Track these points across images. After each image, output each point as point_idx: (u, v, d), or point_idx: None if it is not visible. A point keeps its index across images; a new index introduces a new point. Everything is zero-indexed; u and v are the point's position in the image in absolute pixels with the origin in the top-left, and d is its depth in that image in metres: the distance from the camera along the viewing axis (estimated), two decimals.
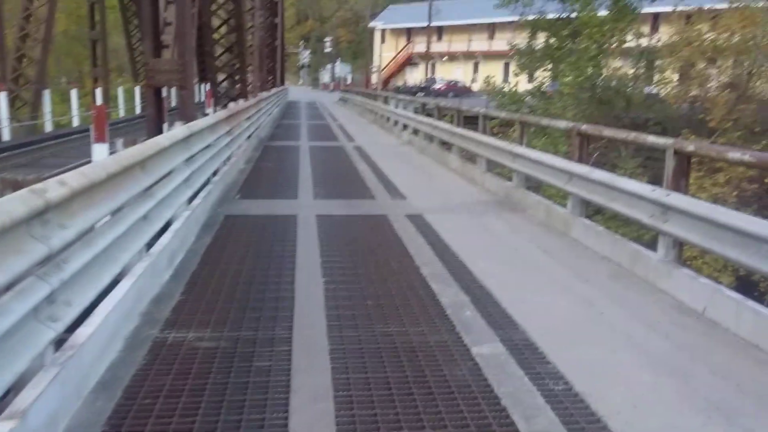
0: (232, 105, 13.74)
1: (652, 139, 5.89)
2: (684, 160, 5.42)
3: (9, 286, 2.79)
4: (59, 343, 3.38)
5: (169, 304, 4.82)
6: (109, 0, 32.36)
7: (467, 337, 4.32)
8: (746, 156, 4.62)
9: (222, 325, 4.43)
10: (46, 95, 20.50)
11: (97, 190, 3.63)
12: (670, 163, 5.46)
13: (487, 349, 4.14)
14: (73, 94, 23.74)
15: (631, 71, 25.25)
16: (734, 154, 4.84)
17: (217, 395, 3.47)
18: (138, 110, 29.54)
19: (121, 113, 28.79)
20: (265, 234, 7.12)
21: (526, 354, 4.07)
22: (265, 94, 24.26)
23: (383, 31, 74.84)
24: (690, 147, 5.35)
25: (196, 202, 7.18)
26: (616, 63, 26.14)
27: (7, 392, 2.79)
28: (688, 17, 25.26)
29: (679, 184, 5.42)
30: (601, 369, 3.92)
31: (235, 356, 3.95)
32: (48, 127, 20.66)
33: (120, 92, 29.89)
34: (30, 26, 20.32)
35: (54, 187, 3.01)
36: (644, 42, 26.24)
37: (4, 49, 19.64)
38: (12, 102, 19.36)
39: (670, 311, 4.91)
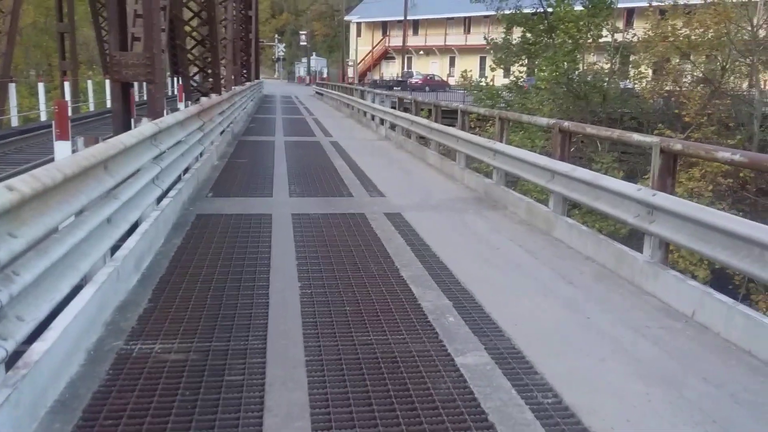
0: (204, 99, 13.38)
1: (637, 137, 5.75)
2: (670, 158, 5.29)
3: None
4: (13, 360, 3.11)
5: (136, 312, 4.55)
6: None
7: (451, 345, 4.12)
8: (737, 156, 4.49)
9: (191, 335, 4.18)
10: (12, 89, 19.85)
11: (52, 194, 3.35)
12: (656, 162, 5.31)
13: (471, 358, 3.94)
14: (41, 87, 23.07)
15: (607, 66, 25.33)
16: (724, 154, 4.70)
17: (185, 415, 3.22)
18: (109, 104, 28.85)
19: (91, 107, 28.11)
20: (238, 234, 6.85)
21: (513, 364, 3.89)
22: (239, 88, 23.83)
23: (359, 24, 74.44)
24: (677, 146, 5.21)
25: (165, 201, 6.88)
26: (592, 58, 26.21)
27: None
28: (663, 12, 25.37)
29: (665, 184, 5.29)
30: (590, 379, 3.75)
31: (205, 370, 3.70)
32: (14, 122, 20.04)
33: (90, 86, 29.17)
34: None
35: (0, 193, 2.73)
36: (619, 37, 26.34)
37: None
38: None
39: (658, 315, 4.77)
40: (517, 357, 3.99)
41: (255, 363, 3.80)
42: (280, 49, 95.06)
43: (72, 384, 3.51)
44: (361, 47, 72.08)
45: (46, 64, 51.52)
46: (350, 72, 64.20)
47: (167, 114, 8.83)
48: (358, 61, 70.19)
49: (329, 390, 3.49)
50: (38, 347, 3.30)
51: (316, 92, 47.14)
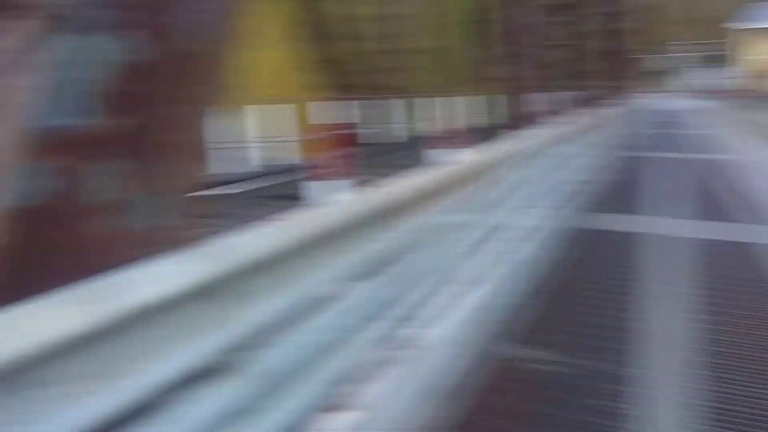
0: (583, 113, 13.32)
1: None
2: None
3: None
4: (404, 344, 3.47)
5: (520, 317, 4.73)
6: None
7: None
8: None
9: (567, 349, 4.19)
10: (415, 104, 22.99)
11: (442, 196, 3.67)
12: None
13: None
14: (429, 103, 26.13)
15: None
16: None
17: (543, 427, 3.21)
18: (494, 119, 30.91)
19: (482, 120, 30.33)
20: (618, 252, 6.70)
21: None
22: (615, 100, 23.10)
23: (757, 30, 65.30)
24: None
25: (547, 213, 7.01)
26: None
27: (349, 386, 2.86)
28: None
29: None
30: None
31: (574, 387, 3.65)
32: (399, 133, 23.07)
33: (474, 101, 31.56)
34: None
35: (400, 189, 3.07)
36: None
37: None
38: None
39: None
40: None
41: (624, 392, 3.59)
42: (659, 61, 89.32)
43: (456, 376, 3.74)
44: (759, 56, 63.18)
45: (442, 82, 57.46)
46: (747, 83, 56.78)
47: (544, 128, 9.01)
48: (756, 71, 61.62)
49: None
50: (430, 334, 3.61)
51: (704, 106, 42.97)
